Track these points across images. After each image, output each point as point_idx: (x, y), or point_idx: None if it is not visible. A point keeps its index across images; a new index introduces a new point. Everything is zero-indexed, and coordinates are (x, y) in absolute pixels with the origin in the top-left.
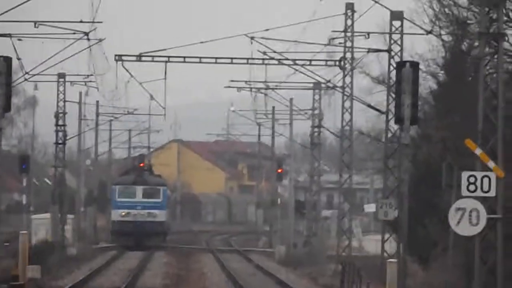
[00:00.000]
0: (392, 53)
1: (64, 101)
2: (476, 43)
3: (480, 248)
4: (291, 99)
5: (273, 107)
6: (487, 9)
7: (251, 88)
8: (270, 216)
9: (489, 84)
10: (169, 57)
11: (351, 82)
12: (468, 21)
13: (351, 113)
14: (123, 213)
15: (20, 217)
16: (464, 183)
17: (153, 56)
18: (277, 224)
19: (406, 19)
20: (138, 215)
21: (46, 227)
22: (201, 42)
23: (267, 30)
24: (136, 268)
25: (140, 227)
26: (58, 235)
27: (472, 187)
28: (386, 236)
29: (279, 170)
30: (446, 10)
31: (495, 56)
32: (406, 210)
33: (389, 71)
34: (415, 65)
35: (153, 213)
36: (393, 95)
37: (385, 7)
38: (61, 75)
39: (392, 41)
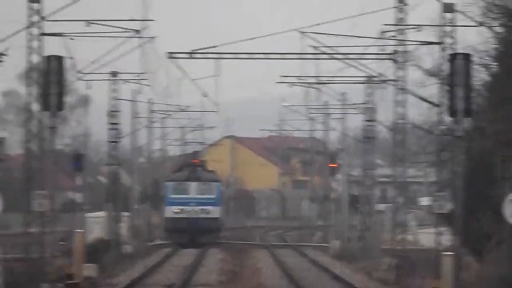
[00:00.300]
0: (445, 46)
1: (117, 99)
2: None
3: None
4: (343, 93)
5: (326, 102)
6: None
7: (302, 83)
8: (324, 211)
9: None
10: (220, 53)
11: (404, 75)
12: None
13: (404, 106)
14: (177, 210)
15: (75, 216)
16: None
17: (204, 53)
18: (331, 219)
19: (457, 11)
20: (191, 212)
21: (101, 225)
22: (251, 39)
23: (318, 24)
24: (191, 265)
25: (194, 224)
26: (113, 233)
27: None
28: (441, 229)
29: (332, 165)
30: (497, 1)
31: None
32: (461, 203)
33: (441, 64)
34: (467, 57)
35: (206, 209)
36: (446, 88)
37: None
38: (114, 74)
39: (444, 34)
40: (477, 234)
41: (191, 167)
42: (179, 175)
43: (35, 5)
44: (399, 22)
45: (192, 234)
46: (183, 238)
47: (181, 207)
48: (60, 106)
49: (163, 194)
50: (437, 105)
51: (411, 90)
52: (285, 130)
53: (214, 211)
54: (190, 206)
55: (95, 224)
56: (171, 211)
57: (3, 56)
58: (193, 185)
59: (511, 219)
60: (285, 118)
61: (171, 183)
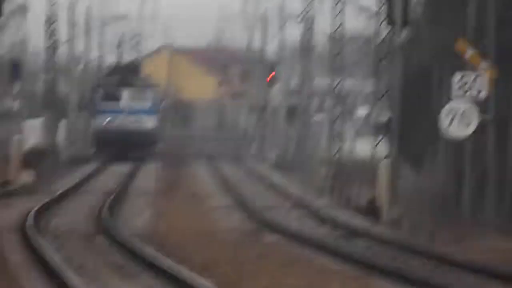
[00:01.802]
0: None
1: (54, 6)
2: None
3: (471, 151)
4: (282, 1)
5: (265, 9)
6: None
7: None
8: (262, 121)
9: None
10: None
11: None
12: None
13: (342, 17)
14: (106, 120)
15: (12, 123)
16: (456, 83)
17: None
18: (269, 130)
19: None
20: (123, 122)
21: (38, 132)
22: None
23: None
24: (129, 172)
25: (126, 136)
26: (50, 141)
27: (463, 88)
28: (378, 139)
29: (270, 75)
30: None
31: None
32: (398, 113)
33: None
34: None
35: (140, 119)
36: None
37: None
38: None
39: None
40: (415, 144)
41: (123, 71)
42: (109, 79)
43: None
44: None
45: (124, 147)
46: (114, 152)
47: (111, 117)
48: None
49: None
50: (375, 15)
51: None
52: (224, 39)
53: (149, 121)
54: (122, 115)
55: (32, 132)
56: (100, 121)
57: None
58: (125, 92)
59: (448, 129)
60: (224, 28)
61: (100, 89)
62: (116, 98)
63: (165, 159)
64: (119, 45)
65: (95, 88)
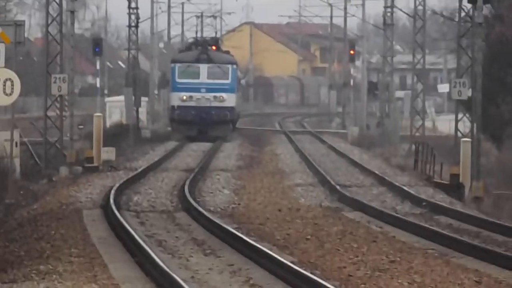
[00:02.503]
0: None
1: None
2: None
3: None
4: None
5: None
6: None
7: None
8: (343, 97)
9: None
10: None
11: None
12: None
13: None
14: (184, 97)
15: (94, 100)
16: None
17: None
18: (350, 106)
19: None
20: (202, 100)
21: (120, 110)
22: None
23: None
24: (210, 150)
25: (205, 114)
26: (132, 118)
27: None
28: (460, 115)
29: (352, 52)
30: None
31: None
32: (480, 89)
33: None
34: None
35: (220, 96)
36: None
37: None
38: None
39: None
40: (496, 120)
41: (202, 46)
42: (187, 55)
43: None
44: None
45: (203, 126)
46: (192, 131)
47: (189, 94)
48: None
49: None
50: None
51: None
52: (304, 16)
53: (229, 99)
54: (200, 92)
55: (114, 109)
56: (177, 98)
57: None
58: (203, 68)
59: None
60: (304, 4)
61: (177, 64)
62: (194, 74)
63: (245, 137)
64: (200, 22)
65: (172, 64)
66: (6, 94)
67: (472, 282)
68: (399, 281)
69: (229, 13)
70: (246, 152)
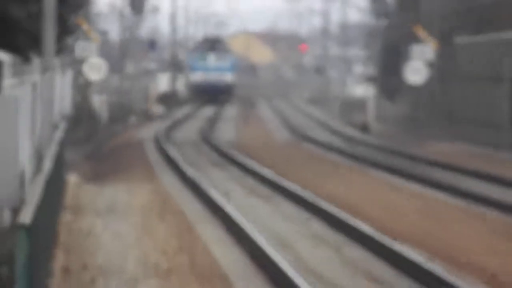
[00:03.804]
0: None
1: (175, 6)
2: None
3: (423, 91)
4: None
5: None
6: None
7: None
8: (300, 75)
9: None
10: None
11: None
12: None
13: (346, 10)
14: (200, 75)
15: (150, 77)
16: (414, 51)
17: None
18: (304, 80)
19: None
20: (211, 77)
21: (166, 82)
22: None
23: None
24: (218, 107)
25: (213, 86)
26: (173, 87)
27: (418, 53)
28: (368, 84)
29: (303, 47)
30: None
31: None
32: (379, 69)
33: None
34: None
35: (222, 75)
36: None
37: None
38: None
39: None
40: (390, 87)
41: (211, 41)
42: (201, 46)
43: None
44: None
45: (212, 94)
46: (205, 97)
47: (203, 73)
48: (141, 9)
49: (186, 62)
50: (369, 11)
51: None
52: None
53: (228, 76)
54: (210, 72)
55: (163, 81)
56: (196, 76)
57: None
58: (211, 55)
59: (409, 78)
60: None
61: (194, 53)
62: (205, 59)
63: (239, 100)
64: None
65: (191, 52)
66: (98, 73)
67: (383, 186)
68: (334, 180)
69: (229, 21)
70: (240, 110)
